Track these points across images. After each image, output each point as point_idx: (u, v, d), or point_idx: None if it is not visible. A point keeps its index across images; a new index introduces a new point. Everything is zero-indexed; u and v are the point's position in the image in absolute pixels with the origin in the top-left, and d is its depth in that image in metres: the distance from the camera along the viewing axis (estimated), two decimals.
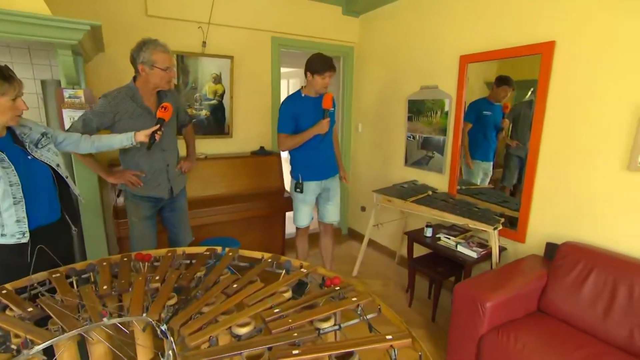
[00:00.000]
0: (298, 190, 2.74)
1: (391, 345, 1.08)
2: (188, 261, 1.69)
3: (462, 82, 2.97)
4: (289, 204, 3.50)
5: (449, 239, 2.82)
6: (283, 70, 4.51)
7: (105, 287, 1.40)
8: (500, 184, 2.85)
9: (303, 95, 2.67)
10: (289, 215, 4.54)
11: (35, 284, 1.44)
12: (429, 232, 2.96)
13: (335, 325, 1.23)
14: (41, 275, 1.46)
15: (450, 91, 3.09)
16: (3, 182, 1.50)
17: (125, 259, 1.61)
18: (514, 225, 2.67)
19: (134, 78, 2.10)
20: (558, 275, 2.13)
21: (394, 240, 3.85)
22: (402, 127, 3.59)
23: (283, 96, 4.91)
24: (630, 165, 2.05)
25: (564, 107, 2.33)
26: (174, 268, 1.59)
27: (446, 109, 3.12)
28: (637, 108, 1.99)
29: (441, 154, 3.20)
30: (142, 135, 1.95)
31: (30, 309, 1.23)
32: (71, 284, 1.46)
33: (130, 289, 1.41)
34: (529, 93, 2.54)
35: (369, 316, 1.26)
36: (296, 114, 2.62)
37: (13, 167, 1.53)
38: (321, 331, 1.19)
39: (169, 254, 1.68)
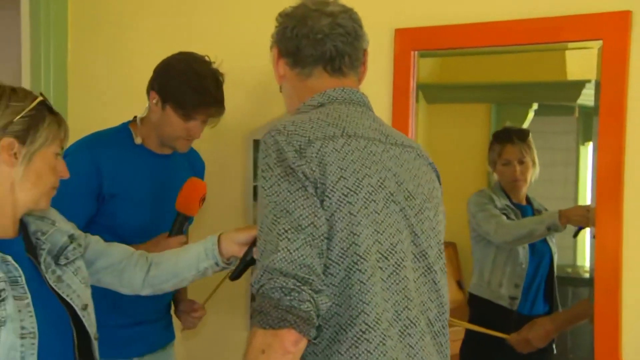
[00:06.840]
0: None
1: None
2: None
3: (408, 92, 1.32)
4: None
5: None
6: None
7: None
8: None
9: (137, 142, 1.29)
10: None
11: None
12: None
13: None
14: None
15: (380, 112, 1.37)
16: (12, 326, 0.77)
17: None
18: None
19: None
20: None
21: None
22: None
23: None
24: None
25: None
26: None
27: None
28: None
29: None
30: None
31: None
32: None
33: None
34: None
35: None
36: (106, 183, 1.22)
37: (30, 299, 0.83)
38: None
39: None
